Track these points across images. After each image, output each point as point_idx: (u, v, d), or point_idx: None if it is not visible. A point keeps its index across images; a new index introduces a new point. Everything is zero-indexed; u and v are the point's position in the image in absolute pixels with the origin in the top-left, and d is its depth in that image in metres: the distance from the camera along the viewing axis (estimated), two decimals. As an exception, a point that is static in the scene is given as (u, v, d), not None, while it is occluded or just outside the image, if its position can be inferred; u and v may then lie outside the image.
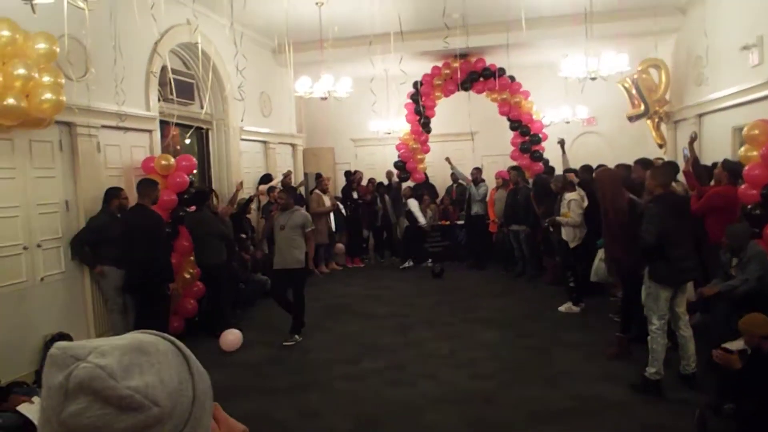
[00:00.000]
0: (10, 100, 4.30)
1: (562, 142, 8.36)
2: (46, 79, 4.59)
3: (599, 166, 8.50)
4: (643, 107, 9.78)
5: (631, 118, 10.24)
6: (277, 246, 6.36)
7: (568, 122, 11.25)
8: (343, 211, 10.40)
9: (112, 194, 5.96)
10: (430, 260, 10.32)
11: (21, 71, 4.37)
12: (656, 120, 9.92)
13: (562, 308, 7.03)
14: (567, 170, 7.83)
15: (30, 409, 4.43)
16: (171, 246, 6.37)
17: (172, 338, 0.76)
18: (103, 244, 5.76)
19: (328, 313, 7.47)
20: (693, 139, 6.41)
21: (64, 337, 5.49)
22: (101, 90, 5.93)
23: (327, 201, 10.11)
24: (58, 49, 4.74)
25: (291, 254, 6.23)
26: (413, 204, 10.59)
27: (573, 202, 6.86)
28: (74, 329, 5.65)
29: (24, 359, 5.15)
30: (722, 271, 5.15)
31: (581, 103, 10.82)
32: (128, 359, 0.66)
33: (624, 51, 7.79)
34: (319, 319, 7.13)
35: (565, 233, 7.02)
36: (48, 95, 4.57)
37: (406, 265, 10.52)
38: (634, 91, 9.86)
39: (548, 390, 4.69)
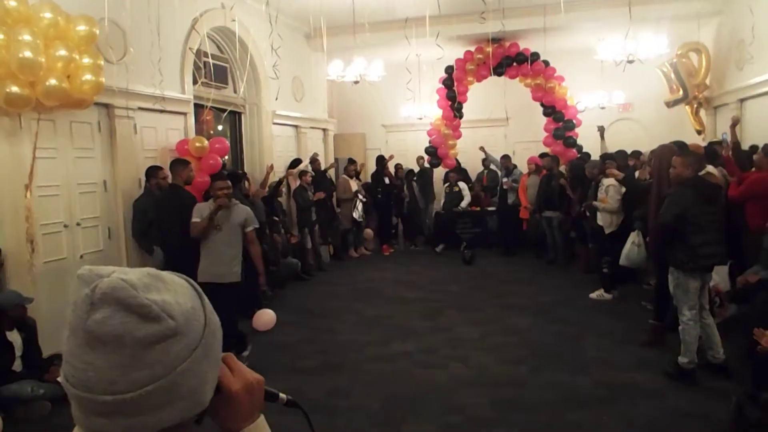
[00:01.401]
0: (52, 81, 4.42)
1: (602, 129, 8.20)
2: (86, 60, 4.70)
3: (634, 152, 8.38)
4: (681, 92, 9.52)
5: (669, 104, 9.98)
6: (207, 250, 4.99)
7: (603, 108, 11.01)
8: (361, 198, 10.32)
9: (150, 173, 6.09)
10: (464, 245, 10.22)
11: (62, 53, 4.48)
12: (695, 105, 9.65)
13: (593, 295, 6.95)
14: (605, 157, 7.64)
15: (69, 381, 4.59)
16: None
17: (188, 278, 0.82)
18: (150, 225, 5.92)
19: (358, 297, 7.52)
20: (735, 123, 6.22)
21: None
22: (139, 72, 6.03)
23: (354, 186, 10.14)
24: (98, 32, 4.84)
25: (224, 262, 4.95)
26: (464, 186, 10.70)
27: (611, 188, 6.74)
28: (112, 306, 5.80)
29: (65, 333, 5.31)
30: (766, 257, 5.01)
31: (617, 88, 10.58)
32: (147, 280, 0.74)
33: (663, 34, 7.58)
34: (349, 302, 7.19)
35: (602, 219, 6.92)
36: (88, 76, 4.68)
37: (438, 249, 10.51)
38: (672, 76, 9.60)
39: (578, 376, 4.65)
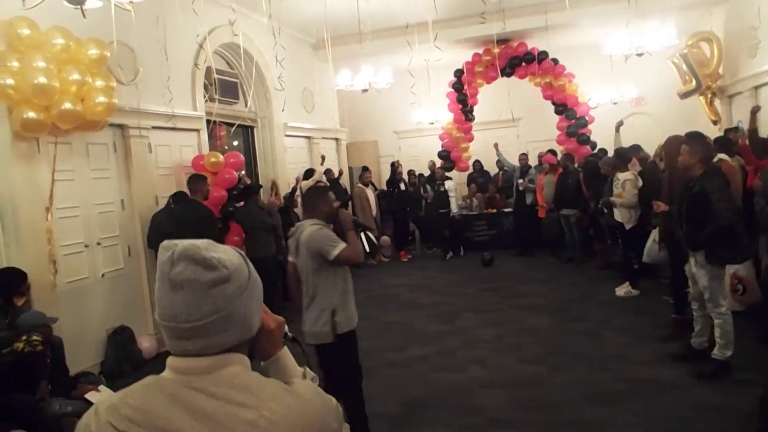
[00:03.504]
0: (67, 105, 4.54)
1: (619, 124, 8.13)
2: (98, 83, 4.82)
3: (633, 146, 8.26)
4: (694, 83, 9.42)
5: (682, 95, 9.88)
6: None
7: (615, 103, 10.95)
8: (374, 205, 10.35)
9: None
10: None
11: (75, 76, 4.60)
12: (709, 96, 9.54)
13: (620, 292, 6.86)
14: (621, 152, 7.55)
15: (96, 397, 4.67)
16: (223, 241, 6.57)
17: (236, 248, 1.13)
18: (165, 237, 6.02)
19: (376, 303, 7.55)
20: (756, 111, 6.14)
21: (125, 330, 5.77)
22: (150, 92, 6.16)
23: (370, 194, 10.19)
24: (108, 54, 4.96)
25: (313, 311, 3.60)
26: (450, 186, 10.57)
27: (628, 182, 6.68)
28: (134, 323, 5.92)
29: (90, 351, 5.44)
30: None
31: (628, 82, 10.51)
32: (207, 245, 1.06)
33: (670, 25, 7.52)
34: (367, 309, 7.20)
35: (620, 215, 6.84)
36: (101, 98, 4.79)
37: (447, 257, 10.43)
38: (684, 67, 9.50)
39: (599, 373, 4.62)
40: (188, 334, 1.02)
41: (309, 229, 3.50)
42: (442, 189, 10.53)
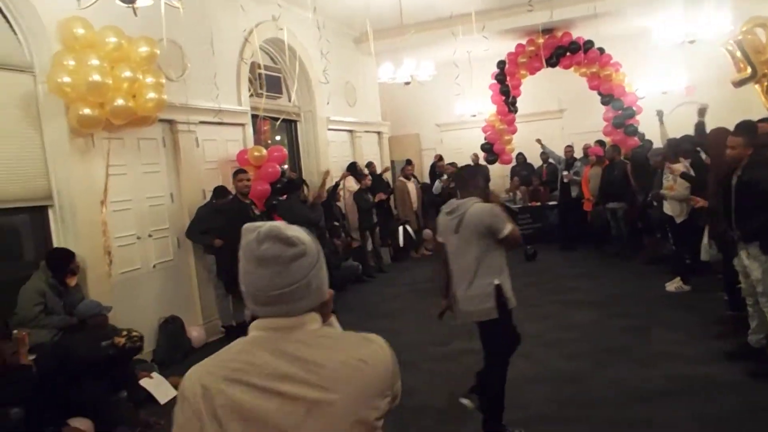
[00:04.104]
0: (120, 101, 4.70)
1: (660, 114, 7.89)
2: (149, 80, 4.96)
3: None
4: (749, 70, 9.00)
5: (736, 84, 9.48)
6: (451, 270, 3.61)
7: (665, 93, 10.60)
8: (415, 199, 10.30)
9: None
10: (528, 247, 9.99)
11: (127, 74, 4.75)
12: (765, 83, 9.12)
13: (670, 287, 6.66)
14: (673, 143, 7.31)
15: (150, 383, 4.84)
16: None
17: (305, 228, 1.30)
18: (204, 232, 6.19)
19: (419, 297, 7.54)
20: None
21: (176, 320, 5.94)
22: (197, 88, 6.31)
23: (411, 187, 10.19)
24: (158, 51, 5.09)
25: (476, 289, 3.49)
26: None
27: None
28: (184, 313, 6.09)
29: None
30: None
31: (679, 71, 10.15)
32: (285, 226, 1.23)
33: (725, 11, 7.23)
34: (411, 303, 7.23)
35: (671, 208, 6.63)
36: (151, 95, 4.94)
37: None
38: (738, 54, 9.11)
39: (646, 370, 4.50)
40: (273, 300, 1.20)
41: (477, 205, 3.44)
42: (452, 186, 10.23)
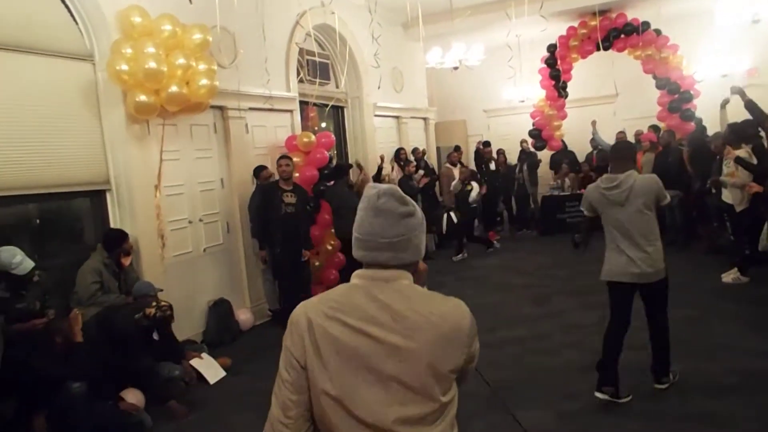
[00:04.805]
0: (174, 88, 4.79)
1: (725, 102, 7.52)
2: (201, 66, 5.03)
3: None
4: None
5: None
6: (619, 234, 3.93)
7: (724, 76, 10.12)
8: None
9: (257, 172, 6.49)
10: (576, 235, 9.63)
11: (181, 61, 4.83)
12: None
13: (727, 278, 6.40)
14: (736, 128, 6.94)
15: (200, 363, 4.97)
16: (313, 219, 6.75)
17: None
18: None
19: (465, 284, 7.51)
20: None
21: (225, 302, 6.07)
22: (248, 74, 6.37)
23: (456, 173, 10.07)
24: (210, 38, 5.17)
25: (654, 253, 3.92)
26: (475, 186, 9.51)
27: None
28: (233, 296, 6.22)
29: (193, 321, 5.78)
30: None
31: (741, 53, 9.67)
32: (396, 188, 1.44)
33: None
34: (456, 290, 7.17)
35: (731, 196, 6.35)
36: (204, 81, 5.01)
37: (456, 258, 9.22)
38: (807, 34, 8.63)
39: (706, 363, 4.35)
40: (381, 246, 1.38)
41: (644, 177, 3.91)
42: (468, 188, 9.42)
